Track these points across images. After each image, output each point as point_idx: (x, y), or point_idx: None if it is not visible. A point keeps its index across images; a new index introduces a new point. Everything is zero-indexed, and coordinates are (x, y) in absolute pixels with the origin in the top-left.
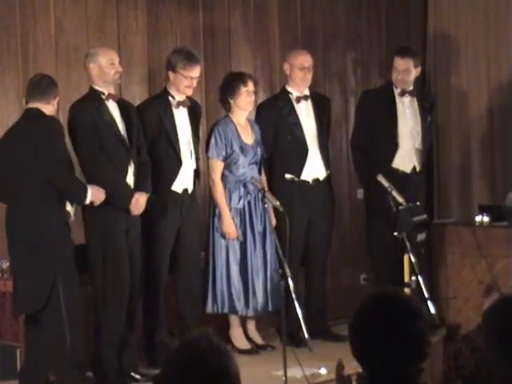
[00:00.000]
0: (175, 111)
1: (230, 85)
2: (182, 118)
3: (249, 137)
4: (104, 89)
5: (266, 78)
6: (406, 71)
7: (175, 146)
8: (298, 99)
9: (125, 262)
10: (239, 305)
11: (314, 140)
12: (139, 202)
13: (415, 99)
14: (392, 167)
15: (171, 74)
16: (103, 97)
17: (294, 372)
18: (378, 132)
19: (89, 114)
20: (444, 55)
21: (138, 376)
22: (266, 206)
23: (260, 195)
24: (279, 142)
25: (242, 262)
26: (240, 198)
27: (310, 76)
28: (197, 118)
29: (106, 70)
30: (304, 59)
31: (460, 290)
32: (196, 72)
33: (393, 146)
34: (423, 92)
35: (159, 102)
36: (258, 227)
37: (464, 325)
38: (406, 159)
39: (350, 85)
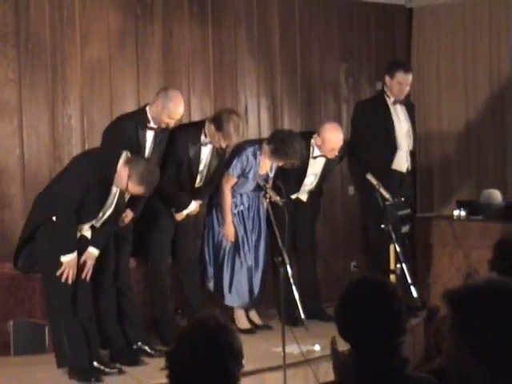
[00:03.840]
0: (203, 148)
1: (281, 154)
2: (205, 152)
3: (265, 169)
4: (152, 120)
5: (267, 86)
6: (408, 85)
7: (194, 174)
8: (315, 157)
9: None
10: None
11: (313, 182)
12: (127, 217)
13: (404, 108)
14: (391, 169)
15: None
16: (148, 125)
17: (292, 349)
18: (377, 137)
19: (134, 133)
20: (426, 66)
21: (152, 351)
22: (265, 206)
23: (262, 192)
24: (286, 173)
25: (230, 257)
26: (236, 206)
27: (336, 153)
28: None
29: (162, 117)
30: (336, 144)
31: (440, 277)
32: (234, 140)
33: (393, 149)
34: (406, 100)
35: (193, 134)
36: (250, 231)
37: (442, 307)
38: (403, 160)
39: (342, 93)
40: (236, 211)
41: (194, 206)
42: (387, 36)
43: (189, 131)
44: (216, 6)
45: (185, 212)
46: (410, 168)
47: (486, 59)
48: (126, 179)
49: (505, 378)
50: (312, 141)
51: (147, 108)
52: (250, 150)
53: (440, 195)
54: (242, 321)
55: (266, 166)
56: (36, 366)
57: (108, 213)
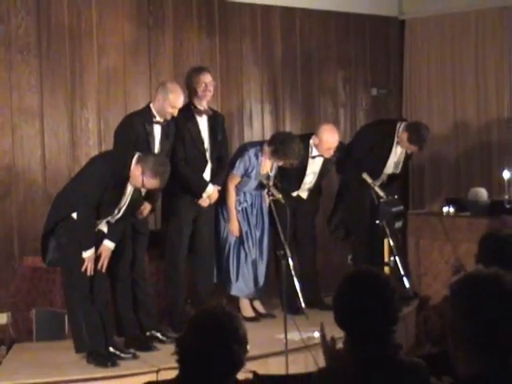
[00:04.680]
0: (198, 119)
1: (282, 156)
2: (203, 125)
3: (266, 169)
4: (157, 114)
5: (270, 92)
6: (412, 153)
7: (201, 148)
8: (314, 157)
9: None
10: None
11: (311, 183)
12: (146, 210)
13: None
14: None
15: (190, 88)
16: (154, 119)
17: (293, 335)
18: (369, 160)
19: (142, 128)
20: (418, 73)
21: (164, 338)
22: (267, 203)
23: (265, 190)
24: (287, 172)
25: (239, 252)
26: (240, 204)
27: (332, 153)
28: (217, 124)
29: (166, 108)
30: (332, 142)
31: (430, 269)
32: (207, 77)
33: (377, 174)
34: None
35: (186, 111)
36: (253, 226)
37: (433, 297)
38: (380, 179)
39: (340, 98)
40: (240, 208)
41: (211, 189)
42: (381, 45)
43: (181, 110)
44: (223, 18)
45: (205, 195)
46: (385, 181)
47: (473, 66)
48: (140, 177)
49: (479, 359)
50: (311, 141)
51: (151, 105)
52: (252, 151)
53: (430, 193)
54: (246, 310)
55: (267, 165)
56: (56, 350)
57: (123, 210)
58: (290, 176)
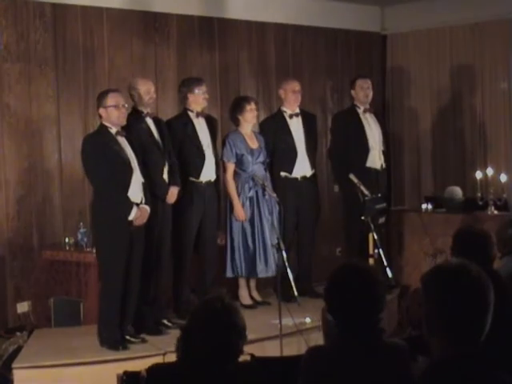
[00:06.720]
0: (195, 120)
1: (239, 104)
2: (201, 125)
3: (254, 143)
4: (143, 109)
5: (265, 101)
6: (368, 88)
7: (199, 145)
8: (291, 116)
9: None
10: (251, 269)
11: (302, 146)
12: (173, 194)
13: (373, 115)
14: (366, 167)
15: (190, 96)
16: (143, 115)
17: (287, 321)
18: (352, 141)
19: (134, 127)
20: (398, 83)
21: (170, 324)
22: (267, 197)
23: (261, 189)
24: (276, 148)
25: (252, 238)
26: (250, 189)
27: (299, 97)
28: (213, 126)
29: (144, 98)
30: (295, 85)
31: (410, 260)
32: (204, 88)
33: (366, 150)
34: (376, 110)
35: (182, 116)
36: (266, 211)
37: (413, 285)
38: (376, 159)
39: (328, 106)
40: (250, 195)
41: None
42: (366, 58)
43: (177, 116)
44: (222, 34)
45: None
46: (384, 166)
47: (447, 76)
48: (105, 113)
49: (453, 347)
50: (281, 108)
51: (134, 108)
52: (230, 134)
53: (410, 191)
54: (245, 298)
55: (252, 138)
56: (72, 335)
57: (135, 161)
58: (282, 153)
